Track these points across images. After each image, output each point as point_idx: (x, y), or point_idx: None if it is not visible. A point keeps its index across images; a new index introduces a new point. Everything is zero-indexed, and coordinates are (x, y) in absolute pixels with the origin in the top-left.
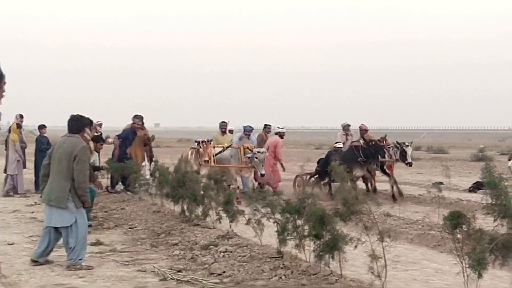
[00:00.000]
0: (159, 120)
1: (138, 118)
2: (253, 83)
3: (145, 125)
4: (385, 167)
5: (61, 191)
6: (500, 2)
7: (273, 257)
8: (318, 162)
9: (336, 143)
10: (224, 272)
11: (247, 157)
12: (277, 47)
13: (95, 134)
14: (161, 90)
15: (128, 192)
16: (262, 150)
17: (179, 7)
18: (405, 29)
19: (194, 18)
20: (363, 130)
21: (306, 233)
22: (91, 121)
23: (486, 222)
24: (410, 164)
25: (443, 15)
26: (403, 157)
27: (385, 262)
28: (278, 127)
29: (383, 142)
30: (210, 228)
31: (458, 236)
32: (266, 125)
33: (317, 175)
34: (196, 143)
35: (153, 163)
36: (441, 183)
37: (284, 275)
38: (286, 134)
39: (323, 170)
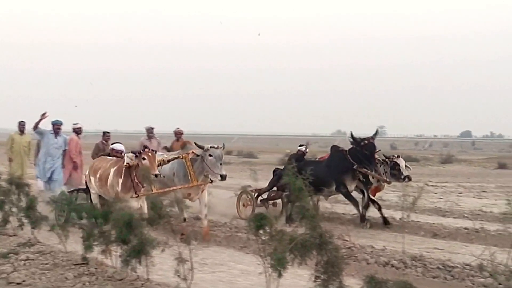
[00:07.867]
0: None
1: None
2: (54, 82)
3: None
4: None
5: None
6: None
7: (77, 264)
8: (274, 172)
9: (300, 145)
10: (24, 281)
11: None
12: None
13: None
14: None
15: None
16: (217, 145)
17: None
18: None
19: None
20: (178, 134)
21: (113, 238)
22: None
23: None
24: (409, 178)
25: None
26: (397, 172)
27: (192, 264)
28: (73, 124)
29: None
30: (10, 236)
31: (262, 237)
32: (105, 132)
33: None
34: (134, 155)
35: None
36: (250, 186)
37: (89, 282)
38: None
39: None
